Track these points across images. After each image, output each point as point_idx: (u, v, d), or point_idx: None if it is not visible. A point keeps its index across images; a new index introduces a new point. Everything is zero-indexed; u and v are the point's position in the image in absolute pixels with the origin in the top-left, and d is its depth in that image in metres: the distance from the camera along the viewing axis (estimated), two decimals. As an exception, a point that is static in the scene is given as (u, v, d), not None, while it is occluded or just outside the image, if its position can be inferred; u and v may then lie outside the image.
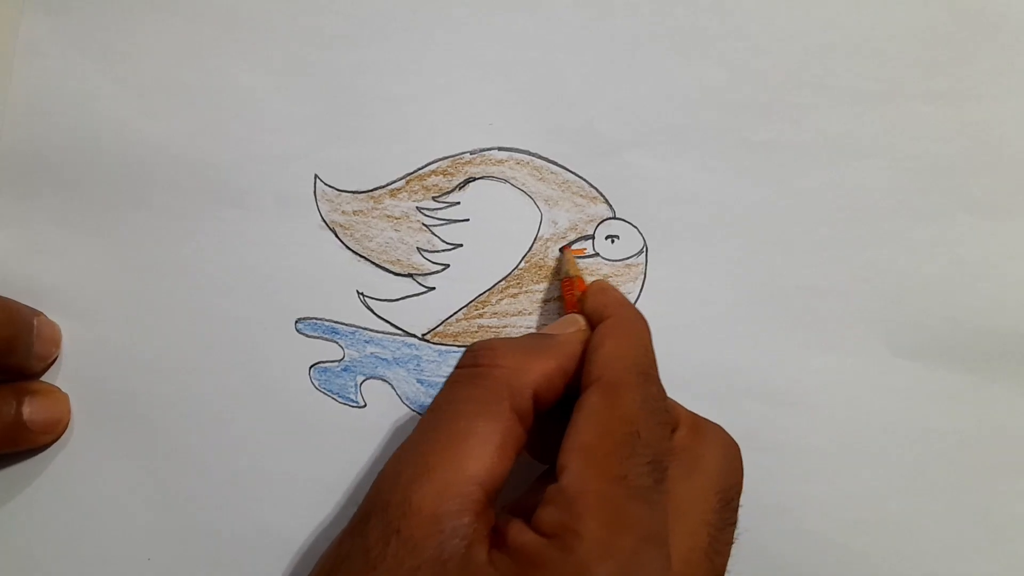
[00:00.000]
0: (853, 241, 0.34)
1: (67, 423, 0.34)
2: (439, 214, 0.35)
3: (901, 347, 0.34)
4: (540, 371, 0.27)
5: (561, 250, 0.34)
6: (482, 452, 0.25)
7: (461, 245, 0.35)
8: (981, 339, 0.34)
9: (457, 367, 0.28)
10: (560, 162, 0.35)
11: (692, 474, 0.27)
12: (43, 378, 0.34)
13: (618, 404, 0.26)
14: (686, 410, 0.30)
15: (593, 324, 0.30)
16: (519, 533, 0.23)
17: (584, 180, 0.35)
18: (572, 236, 0.35)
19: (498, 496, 0.25)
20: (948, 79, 0.34)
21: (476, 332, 0.34)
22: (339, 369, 0.34)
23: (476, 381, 0.26)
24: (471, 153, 0.35)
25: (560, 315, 0.34)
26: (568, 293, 0.32)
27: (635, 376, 0.27)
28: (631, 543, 0.23)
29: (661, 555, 0.24)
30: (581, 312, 0.31)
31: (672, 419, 0.28)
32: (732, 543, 0.28)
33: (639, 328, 0.29)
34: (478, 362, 0.27)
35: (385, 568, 0.23)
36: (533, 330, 0.34)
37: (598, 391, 0.26)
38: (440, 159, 0.35)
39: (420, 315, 0.34)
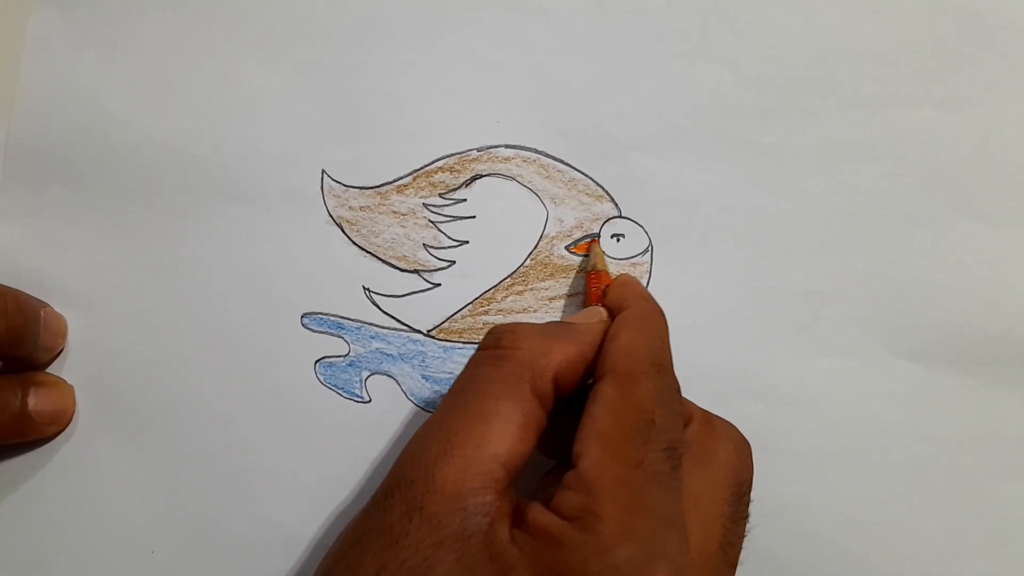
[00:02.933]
0: (855, 244, 0.35)
1: (72, 415, 0.34)
2: (446, 211, 0.35)
3: (902, 350, 0.34)
4: (561, 355, 0.27)
5: (591, 243, 0.35)
6: (504, 432, 0.25)
7: (467, 242, 0.35)
8: (981, 343, 0.34)
9: (479, 348, 0.28)
10: (567, 160, 0.35)
11: (706, 467, 0.28)
12: (48, 370, 0.35)
13: (632, 393, 0.26)
14: (698, 407, 0.30)
15: (614, 316, 0.30)
16: (539, 515, 0.24)
17: (590, 179, 0.35)
18: (578, 234, 0.35)
19: (519, 476, 0.25)
20: (950, 84, 0.34)
21: (481, 329, 0.34)
22: (344, 364, 0.34)
23: (498, 363, 0.27)
24: (478, 150, 0.35)
25: (572, 310, 0.35)
26: (594, 286, 0.33)
27: (649, 367, 0.27)
28: (652, 525, 0.24)
29: (680, 538, 0.24)
30: (604, 306, 0.31)
31: (685, 411, 0.29)
32: (744, 536, 0.28)
33: (656, 321, 0.30)
34: (500, 344, 0.27)
35: (407, 543, 0.23)
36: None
37: (613, 381, 0.27)
38: (447, 156, 0.35)
39: (426, 311, 0.35)
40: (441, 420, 0.26)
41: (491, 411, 0.25)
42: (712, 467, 0.28)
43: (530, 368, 0.27)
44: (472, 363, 0.28)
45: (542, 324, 0.29)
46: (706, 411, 0.30)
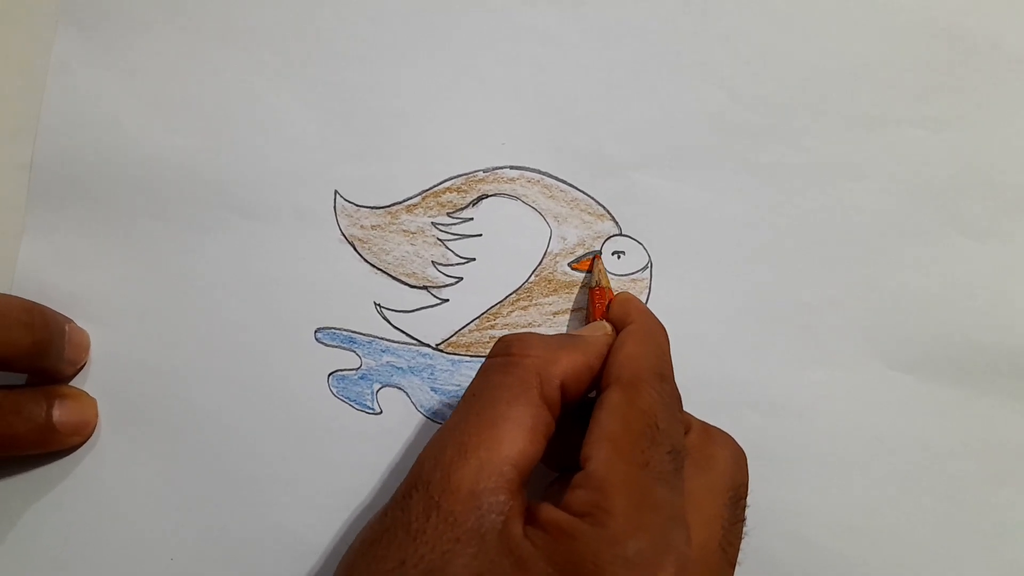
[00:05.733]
0: (849, 259, 0.35)
1: (94, 426, 0.35)
2: (453, 229, 0.35)
3: (895, 361, 0.35)
4: (568, 363, 0.28)
5: (594, 259, 0.35)
6: (515, 435, 0.26)
7: (474, 259, 0.35)
8: (973, 354, 0.35)
9: (489, 356, 0.29)
10: (569, 180, 0.35)
11: (705, 472, 0.29)
12: (71, 383, 0.35)
13: (638, 399, 0.27)
14: (696, 418, 0.31)
15: (617, 330, 0.31)
16: (551, 512, 0.25)
17: (592, 198, 0.35)
18: (580, 252, 0.35)
19: (529, 478, 0.26)
20: (941, 105, 0.35)
21: (488, 343, 0.35)
22: (356, 377, 0.35)
23: (509, 369, 0.28)
24: (484, 171, 0.35)
25: (575, 324, 0.35)
26: (598, 302, 0.33)
27: (653, 376, 0.28)
28: (659, 521, 0.25)
29: (685, 534, 0.25)
30: (607, 320, 0.32)
31: (684, 421, 0.30)
32: (742, 538, 0.29)
33: (659, 334, 0.31)
34: (511, 351, 0.28)
35: (425, 539, 0.24)
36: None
37: (619, 388, 0.28)
38: (455, 177, 0.35)
39: (434, 326, 0.35)
40: (456, 425, 0.27)
41: (502, 416, 0.26)
42: (711, 472, 0.29)
43: (538, 374, 0.27)
44: (483, 370, 0.29)
45: (550, 335, 0.30)
46: (703, 421, 0.31)
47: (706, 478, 0.28)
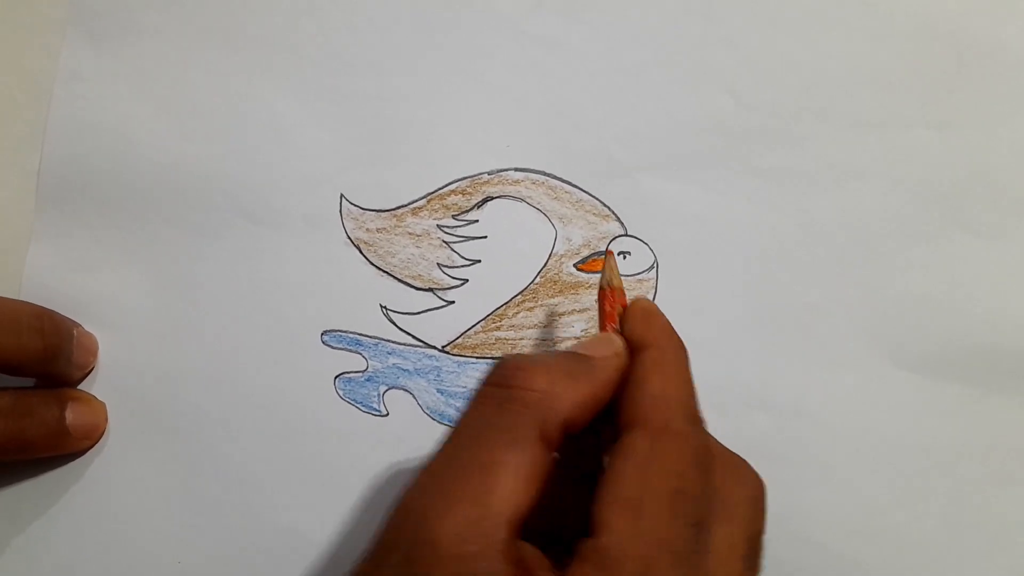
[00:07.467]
0: (855, 260, 0.35)
1: (104, 430, 0.35)
2: (458, 231, 0.35)
3: (901, 362, 0.35)
4: (573, 399, 0.25)
5: (606, 255, 0.34)
6: (508, 485, 0.23)
7: (479, 261, 0.35)
8: (978, 354, 0.35)
9: (485, 383, 0.25)
10: (574, 182, 0.35)
11: (723, 523, 0.24)
12: (79, 387, 0.35)
13: (666, 454, 0.24)
14: (717, 444, 0.26)
15: (632, 348, 0.27)
16: None
17: (596, 199, 0.35)
18: (585, 253, 0.35)
19: (523, 528, 0.23)
20: (944, 107, 0.35)
21: (494, 344, 0.35)
22: (363, 379, 0.35)
23: (505, 406, 0.24)
24: (489, 173, 0.36)
25: (580, 326, 0.35)
26: (609, 305, 0.29)
27: (684, 422, 0.25)
28: None
29: None
30: (619, 329, 0.28)
31: (712, 461, 0.25)
32: None
33: (683, 362, 0.27)
34: (509, 383, 0.25)
35: None
36: (549, 343, 0.35)
37: (644, 437, 0.24)
38: (460, 179, 0.36)
39: (440, 328, 0.35)
40: (440, 470, 0.24)
41: (495, 463, 0.23)
42: (730, 521, 0.24)
43: (540, 414, 0.24)
44: (478, 401, 0.25)
45: (553, 358, 0.26)
46: (723, 448, 0.26)
47: (725, 528, 0.24)
